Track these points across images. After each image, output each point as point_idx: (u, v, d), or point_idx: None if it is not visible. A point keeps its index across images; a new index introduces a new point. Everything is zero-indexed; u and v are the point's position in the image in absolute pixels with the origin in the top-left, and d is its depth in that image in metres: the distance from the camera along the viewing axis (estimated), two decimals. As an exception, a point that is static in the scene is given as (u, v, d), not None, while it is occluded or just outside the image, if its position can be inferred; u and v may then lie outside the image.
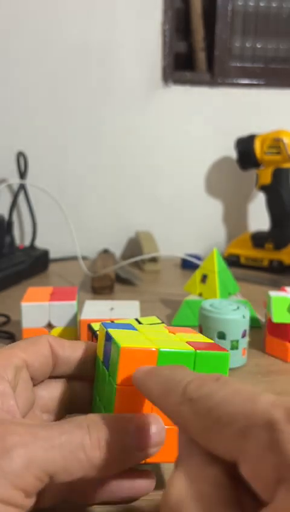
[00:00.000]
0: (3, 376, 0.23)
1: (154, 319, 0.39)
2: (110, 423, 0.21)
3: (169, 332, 0.28)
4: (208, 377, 0.18)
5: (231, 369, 0.45)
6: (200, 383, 0.18)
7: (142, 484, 0.24)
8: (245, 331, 0.45)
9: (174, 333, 0.28)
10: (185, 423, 0.18)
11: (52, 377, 0.27)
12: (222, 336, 0.44)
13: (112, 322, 0.37)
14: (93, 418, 0.21)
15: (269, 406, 0.15)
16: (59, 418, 0.27)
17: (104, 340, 0.26)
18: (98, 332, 0.28)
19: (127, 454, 0.21)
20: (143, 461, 0.23)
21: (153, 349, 0.23)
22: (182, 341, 0.25)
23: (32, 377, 0.26)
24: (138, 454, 0.22)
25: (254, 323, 0.55)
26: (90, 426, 0.21)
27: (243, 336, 0.45)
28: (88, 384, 0.28)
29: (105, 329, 0.26)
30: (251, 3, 1.00)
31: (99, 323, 0.28)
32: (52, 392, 0.27)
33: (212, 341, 0.26)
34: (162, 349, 0.23)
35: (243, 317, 0.44)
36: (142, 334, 0.26)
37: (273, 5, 1.01)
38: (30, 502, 0.19)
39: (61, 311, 0.46)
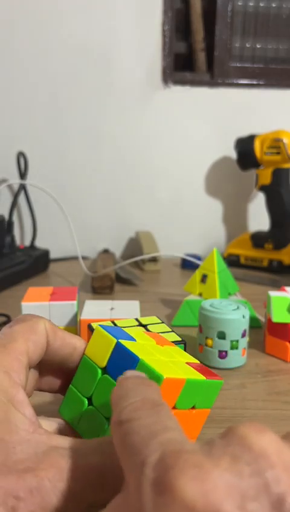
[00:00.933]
0: (18, 382, 0.23)
1: (154, 318, 0.39)
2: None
3: (156, 343, 0.29)
4: (149, 403, 0.19)
5: (231, 369, 0.45)
6: (137, 407, 0.18)
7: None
8: (245, 331, 0.45)
9: (161, 346, 0.29)
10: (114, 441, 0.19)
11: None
12: (222, 335, 0.44)
13: (144, 327, 0.37)
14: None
15: (154, 446, 0.16)
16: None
17: (113, 350, 0.26)
18: (93, 333, 0.28)
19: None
20: None
21: (183, 378, 0.25)
22: (182, 361, 0.27)
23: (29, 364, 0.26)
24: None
25: (254, 323, 0.55)
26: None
27: (243, 335, 0.45)
28: (61, 373, 0.28)
29: (114, 340, 0.26)
30: (251, 4, 1.00)
31: (96, 324, 0.29)
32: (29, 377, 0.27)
33: (198, 361, 0.29)
34: (189, 379, 0.25)
35: (243, 317, 0.44)
36: (149, 352, 0.27)
37: (273, 5, 1.01)
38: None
39: (62, 311, 0.46)
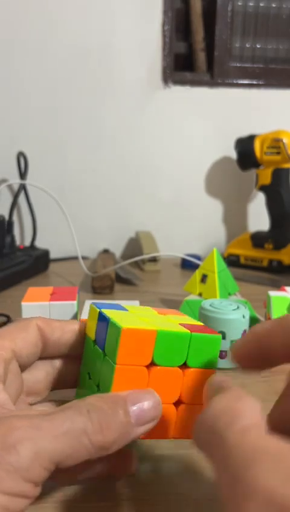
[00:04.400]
0: None
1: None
2: (108, 404, 0.22)
3: (159, 313, 0.29)
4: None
5: (231, 369, 0.45)
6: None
7: (125, 463, 0.25)
8: (245, 331, 0.45)
9: (164, 315, 0.29)
10: None
11: (41, 358, 0.28)
12: (222, 335, 0.44)
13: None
14: (92, 402, 0.22)
15: None
16: (43, 397, 0.28)
17: (97, 320, 0.26)
18: (88, 312, 0.28)
19: (127, 432, 0.22)
20: (141, 437, 0.23)
21: (152, 329, 0.24)
22: (174, 323, 0.26)
23: (20, 365, 0.26)
24: (136, 430, 0.22)
25: (254, 323, 0.55)
26: (91, 411, 0.21)
27: (243, 335, 0.45)
28: (73, 361, 0.29)
29: (98, 310, 0.27)
30: (251, 4, 1.00)
31: (90, 303, 0.29)
32: (37, 374, 0.28)
33: (202, 324, 0.27)
34: (160, 330, 0.24)
35: (243, 317, 0.44)
36: (134, 315, 0.27)
37: (273, 5, 1.01)
38: (38, 490, 0.20)
39: (62, 311, 0.46)
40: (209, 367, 0.25)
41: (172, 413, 0.25)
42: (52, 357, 0.28)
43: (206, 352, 0.25)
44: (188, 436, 0.26)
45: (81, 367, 0.28)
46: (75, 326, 0.28)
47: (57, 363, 0.28)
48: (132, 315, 0.27)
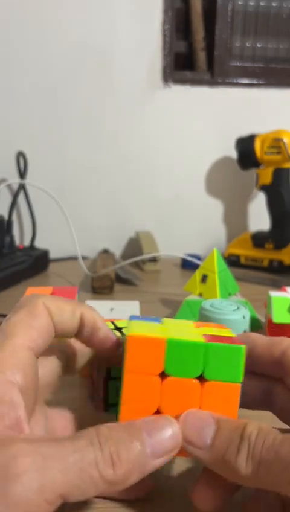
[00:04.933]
0: (12, 381, 0.21)
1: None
2: (121, 434, 0.21)
3: (195, 326, 0.28)
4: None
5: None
6: None
7: (140, 487, 0.23)
8: (245, 331, 0.45)
9: (198, 327, 0.27)
10: None
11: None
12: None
13: (113, 323, 0.37)
14: (104, 431, 0.20)
15: None
16: (58, 386, 0.27)
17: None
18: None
19: (142, 465, 0.21)
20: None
21: (160, 337, 0.23)
22: (199, 334, 0.25)
23: (37, 356, 0.24)
24: (153, 463, 0.21)
25: (254, 324, 0.55)
26: (102, 442, 0.20)
27: (244, 336, 0.45)
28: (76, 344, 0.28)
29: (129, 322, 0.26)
30: (251, 3, 1.00)
31: (129, 316, 0.28)
32: (49, 366, 0.26)
33: (234, 335, 0.26)
34: (170, 338, 0.23)
35: (243, 317, 0.44)
36: (161, 326, 0.26)
37: (273, 5, 1.01)
38: None
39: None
40: (233, 380, 0.23)
41: None
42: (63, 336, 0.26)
43: (227, 364, 0.23)
44: None
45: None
46: (81, 308, 0.26)
47: (65, 348, 0.27)
48: (157, 326, 0.26)
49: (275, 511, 0.23)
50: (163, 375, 0.23)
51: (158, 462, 0.21)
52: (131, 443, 0.20)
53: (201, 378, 0.24)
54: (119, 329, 0.36)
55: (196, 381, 0.23)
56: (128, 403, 0.23)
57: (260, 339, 0.26)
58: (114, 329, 0.36)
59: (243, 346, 0.24)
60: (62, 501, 0.18)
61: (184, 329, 0.26)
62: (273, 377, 0.26)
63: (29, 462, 0.18)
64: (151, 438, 0.21)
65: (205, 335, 0.25)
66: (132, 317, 0.27)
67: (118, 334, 0.35)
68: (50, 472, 0.18)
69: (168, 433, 0.22)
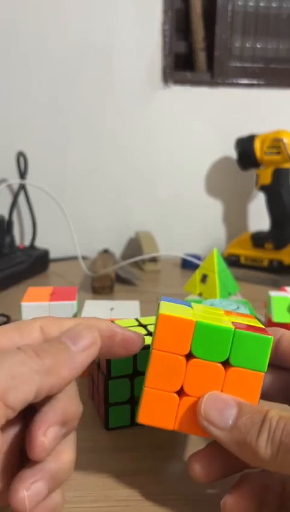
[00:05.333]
0: None
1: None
2: (44, 342, 0.22)
3: (224, 313, 0.28)
4: None
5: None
6: None
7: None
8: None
9: (229, 315, 0.28)
10: None
11: None
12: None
13: (136, 321, 0.37)
14: (24, 346, 0.21)
15: None
16: None
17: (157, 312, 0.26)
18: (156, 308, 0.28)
19: (69, 356, 0.22)
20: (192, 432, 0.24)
21: (191, 319, 0.24)
22: (229, 321, 0.26)
23: None
24: (77, 356, 0.22)
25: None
26: (24, 348, 0.21)
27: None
28: None
29: (159, 302, 0.27)
30: (251, 3, 1.00)
31: (160, 298, 0.28)
32: None
33: (263, 326, 0.26)
34: (199, 321, 0.24)
35: (243, 317, 0.44)
36: (192, 310, 0.26)
37: (273, 5, 1.01)
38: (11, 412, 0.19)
39: (61, 311, 0.46)
40: (257, 369, 0.24)
41: (175, 403, 0.25)
42: None
43: (253, 352, 0.24)
44: None
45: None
46: (91, 323, 0.25)
47: None
48: (187, 308, 0.27)
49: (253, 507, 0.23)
50: (189, 356, 0.24)
51: (84, 355, 0.22)
52: (53, 343, 0.22)
53: (226, 364, 0.24)
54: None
55: (220, 366, 0.24)
56: (153, 378, 0.24)
57: (287, 333, 0.27)
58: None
59: (271, 337, 0.24)
60: (4, 405, 0.18)
61: (214, 315, 0.26)
62: None
63: None
64: (70, 336, 0.22)
65: (234, 322, 0.25)
66: (163, 298, 0.28)
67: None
68: None
69: (85, 330, 0.23)
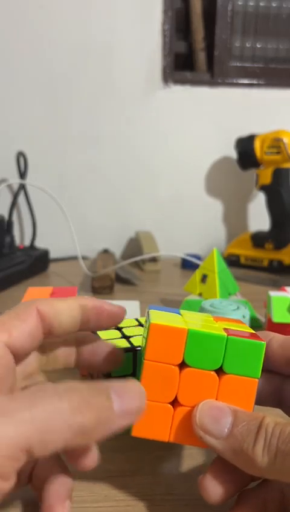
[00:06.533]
0: None
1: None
2: (90, 386, 0.20)
3: (214, 320, 0.28)
4: None
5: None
6: None
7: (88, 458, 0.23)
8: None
9: (216, 321, 0.28)
10: None
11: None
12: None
13: (136, 320, 0.37)
14: (71, 384, 0.20)
15: None
16: (36, 379, 0.26)
17: (147, 321, 0.26)
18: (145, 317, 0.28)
19: (108, 417, 0.20)
20: (182, 442, 0.24)
21: (183, 327, 0.23)
22: (219, 327, 0.25)
23: (16, 355, 0.24)
24: (119, 420, 0.21)
25: (254, 323, 0.55)
26: (68, 390, 0.19)
27: (243, 335, 0.45)
28: (67, 341, 0.27)
29: (148, 311, 0.26)
30: (251, 3, 1.00)
31: (147, 307, 0.28)
32: (32, 357, 0.26)
33: (253, 331, 0.26)
34: (192, 329, 0.23)
35: (243, 317, 0.44)
36: (182, 318, 0.26)
37: (273, 5, 1.01)
38: (9, 484, 0.17)
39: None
40: (251, 375, 0.24)
41: (169, 414, 0.24)
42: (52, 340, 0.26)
43: (247, 359, 0.24)
44: None
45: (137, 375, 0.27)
46: (82, 303, 0.26)
47: (57, 343, 0.27)
48: (177, 317, 0.26)
49: None
50: (182, 365, 0.24)
51: (124, 421, 0.21)
52: (98, 395, 0.20)
53: (219, 371, 0.24)
54: (119, 328, 0.36)
55: (214, 374, 0.24)
56: (146, 389, 0.23)
57: (277, 337, 0.27)
58: (114, 329, 0.36)
59: (264, 343, 0.24)
60: (27, 456, 0.17)
61: (205, 322, 0.26)
62: (285, 375, 0.26)
63: None
64: (118, 395, 0.21)
65: (225, 329, 0.25)
66: (151, 307, 0.27)
67: (116, 333, 0.35)
68: (7, 425, 0.17)
69: (135, 392, 0.22)
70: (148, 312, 0.26)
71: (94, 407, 0.19)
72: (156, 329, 0.23)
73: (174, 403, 0.24)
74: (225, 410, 0.23)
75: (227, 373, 0.24)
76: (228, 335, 0.24)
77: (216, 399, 0.24)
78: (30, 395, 0.19)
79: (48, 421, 0.18)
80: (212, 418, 0.23)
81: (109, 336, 0.35)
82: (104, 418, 0.20)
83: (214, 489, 0.23)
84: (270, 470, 0.21)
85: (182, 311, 0.28)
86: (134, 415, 0.21)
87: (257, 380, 0.24)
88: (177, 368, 0.24)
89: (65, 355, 0.28)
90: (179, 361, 0.24)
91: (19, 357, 0.24)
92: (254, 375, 0.24)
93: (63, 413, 0.18)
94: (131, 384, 0.22)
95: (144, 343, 0.24)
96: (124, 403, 0.21)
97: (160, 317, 0.24)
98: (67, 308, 0.25)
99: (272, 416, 0.22)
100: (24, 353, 0.24)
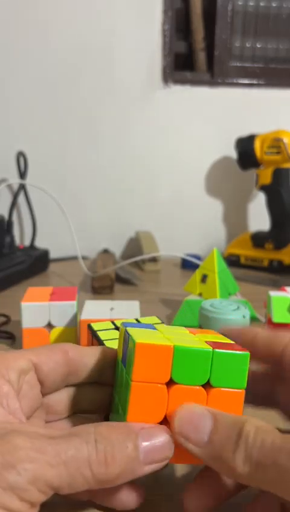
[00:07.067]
0: (5, 377, 0.23)
1: (154, 318, 0.39)
2: (118, 435, 0.21)
3: (189, 332, 0.28)
4: None
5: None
6: None
7: (129, 498, 0.24)
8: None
9: (194, 334, 0.27)
10: None
11: (73, 385, 0.27)
12: (222, 336, 0.44)
13: (137, 321, 0.37)
14: (101, 431, 0.21)
15: None
16: (62, 417, 0.27)
17: (123, 339, 0.26)
18: (119, 333, 0.27)
19: (132, 468, 0.21)
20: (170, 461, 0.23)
21: (169, 345, 0.23)
22: (201, 341, 0.25)
23: (42, 382, 0.25)
24: (143, 468, 0.22)
25: (254, 324, 0.55)
26: (98, 441, 0.21)
27: (243, 336, 0.45)
28: (101, 387, 0.28)
29: (124, 328, 0.26)
30: (251, 3, 1.00)
31: (121, 322, 0.28)
32: (58, 394, 0.27)
33: (232, 342, 0.26)
34: (178, 346, 0.23)
35: (243, 317, 0.44)
36: (160, 333, 0.26)
37: (273, 5, 1.01)
38: (35, 510, 0.20)
39: (61, 311, 0.46)
40: (238, 387, 0.24)
41: None
42: (85, 383, 0.27)
43: (232, 370, 0.23)
44: None
45: (113, 391, 0.27)
46: (104, 352, 0.27)
47: (83, 387, 0.28)
48: (157, 333, 0.26)
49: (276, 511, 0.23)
50: (169, 383, 0.23)
51: (148, 469, 0.22)
52: (126, 446, 0.21)
53: (206, 385, 0.24)
54: (119, 329, 0.36)
55: (202, 389, 0.23)
56: (134, 412, 0.23)
57: (260, 333, 0.27)
58: (114, 329, 0.36)
59: (248, 353, 0.24)
60: (54, 492, 0.20)
61: (185, 337, 0.26)
62: (275, 372, 0.26)
63: (26, 455, 0.19)
64: (145, 444, 0.21)
65: (207, 342, 0.25)
66: (126, 324, 0.26)
67: (116, 334, 0.35)
68: (44, 466, 0.19)
69: (163, 441, 0.22)
70: (125, 330, 0.25)
71: (120, 460, 0.21)
72: (142, 348, 0.22)
73: (163, 422, 0.23)
74: (204, 414, 0.22)
75: (214, 387, 0.23)
76: (213, 348, 0.23)
77: None
78: (66, 439, 0.20)
79: (77, 469, 0.20)
80: (191, 424, 0.22)
81: (109, 336, 0.35)
82: (128, 469, 0.21)
83: (196, 502, 0.23)
84: (251, 479, 0.20)
85: (157, 326, 0.28)
86: (159, 464, 0.22)
87: (243, 391, 0.24)
88: (165, 386, 0.23)
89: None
90: (167, 380, 0.23)
91: (46, 385, 0.26)
92: (240, 387, 0.24)
93: (91, 464, 0.20)
94: (160, 432, 0.22)
95: (129, 364, 0.23)
96: (150, 454, 0.22)
97: (142, 336, 0.24)
98: (89, 353, 0.27)
99: (254, 421, 0.21)
100: (50, 382, 0.26)
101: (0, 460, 0.19)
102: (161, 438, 0.22)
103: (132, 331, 0.25)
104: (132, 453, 0.21)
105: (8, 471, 0.19)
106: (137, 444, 0.21)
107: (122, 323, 0.27)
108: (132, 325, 0.27)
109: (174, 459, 0.23)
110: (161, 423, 0.23)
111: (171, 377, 0.23)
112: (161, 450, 0.22)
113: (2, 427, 0.21)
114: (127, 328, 0.25)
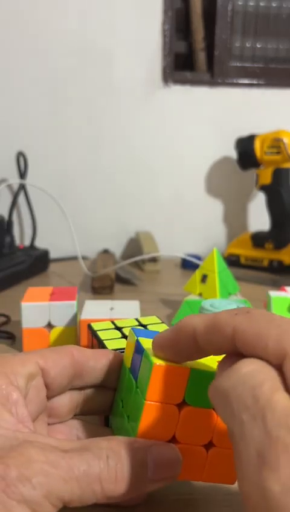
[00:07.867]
0: (14, 383, 0.23)
1: (154, 318, 0.39)
2: (128, 452, 0.22)
3: None
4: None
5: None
6: None
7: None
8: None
9: None
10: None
11: (77, 388, 0.27)
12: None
13: (137, 321, 0.36)
14: (113, 446, 0.22)
15: None
16: (64, 421, 0.27)
17: (134, 349, 0.25)
18: (127, 338, 0.27)
19: (142, 485, 0.22)
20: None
21: (185, 368, 0.23)
22: (213, 360, 0.25)
23: (48, 385, 0.25)
24: (151, 485, 0.22)
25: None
26: (109, 457, 0.21)
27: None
28: (103, 391, 0.28)
29: (135, 338, 0.25)
30: (251, 3, 1.00)
31: (130, 328, 0.27)
32: (61, 397, 0.27)
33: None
34: (194, 369, 0.23)
35: (243, 317, 0.44)
36: None
37: (273, 5, 1.01)
38: None
39: (61, 311, 0.46)
40: None
41: (203, 456, 0.24)
42: (89, 386, 0.27)
43: None
44: (220, 480, 0.25)
45: (115, 393, 0.27)
46: (109, 356, 0.27)
47: (87, 390, 0.28)
48: None
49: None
50: (181, 404, 0.23)
51: (155, 486, 0.22)
52: (135, 463, 0.22)
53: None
54: (119, 328, 0.36)
55: (212, 411, 0.24)
56: (144, 430, 0.23)
57: (198, 325, 0.24)
58: (114, 329, 0.36)
59: None
60: (64, 505, 0.20)
61: None
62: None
63: (40, 469, 0.19)
64: (154, 461, 0.22)
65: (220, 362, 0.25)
66: (136, 332, 0.26)
67: (116, 333, 0.35)
68: (57, 481, 0.20)
69: (171, 459, 0.23)
70: (137, 341, 0.25)
71: (129, 478, 0.21)
72: (159, 370, 0.23)
73: (172, 441, 0.23)
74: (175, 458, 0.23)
75: None
76: None
77: (212, 435, 0.24)
78: (79, 454, 0.21)
79: (88, 485, 0.20)
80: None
81: (109, 336, 0.35)
82: (136, 486, 0.22)
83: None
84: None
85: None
86: (166, 481, 0.23)
87: None
88: (176, 408, 0.23)
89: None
90: (180, 401, 0.23)
91: (52, 388, 0.25)
92: None
93: (101, 481, 0.21)
94: (168, 450, 0.23)
95: (143, 382, 0.23)
96: (159, 472, 0.22)
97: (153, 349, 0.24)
98: (94, 356, 0.27)
99: None
100: (56, 386, 0.26)
101: (15, 473, 0.19)
102: (170, 456, 0.23)
103: (144, 343, 0.25)
104: (140, 470, 0.22)
105: (23, 484, 0.19)
106: (146, 462, 0.22)
107: (132, 329, 0.27)
108: (141, 333, 0.26)
109: (181, 476, 0.23)
110: (169, 441, 0.23)
111: (183, 399, 0.23)
112: (169, 468, 0.23)
113: (14, 436, 0.21)
114: (139, 339, 0.25)
